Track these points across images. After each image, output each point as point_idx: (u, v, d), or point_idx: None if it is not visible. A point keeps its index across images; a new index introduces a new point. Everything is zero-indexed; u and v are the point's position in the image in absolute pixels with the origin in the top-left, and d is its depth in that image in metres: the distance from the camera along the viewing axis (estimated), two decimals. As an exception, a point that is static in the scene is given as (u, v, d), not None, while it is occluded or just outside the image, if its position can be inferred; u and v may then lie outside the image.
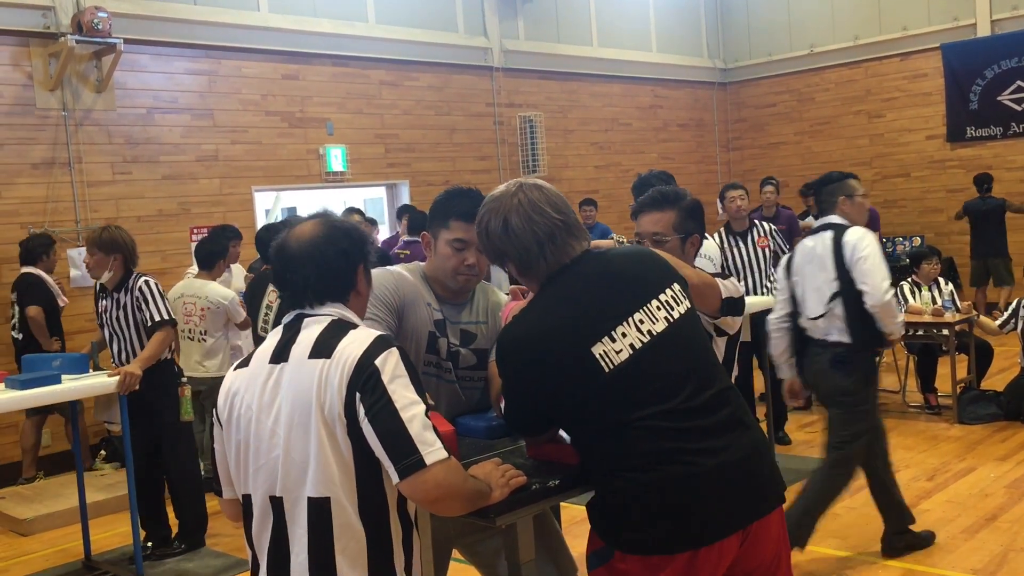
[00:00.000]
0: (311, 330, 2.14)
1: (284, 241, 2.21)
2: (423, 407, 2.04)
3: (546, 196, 2.31)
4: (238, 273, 7.44)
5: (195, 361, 6.42)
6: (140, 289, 5.05)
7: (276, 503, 2.09)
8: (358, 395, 2.02)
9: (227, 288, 6.65)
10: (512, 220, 2.28)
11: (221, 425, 2.22)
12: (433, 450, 2.00)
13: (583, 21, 12.12)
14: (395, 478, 2.00)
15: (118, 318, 5.11)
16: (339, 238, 2.19)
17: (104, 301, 5.19)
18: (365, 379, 2.03)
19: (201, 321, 6.39)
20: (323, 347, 2.10)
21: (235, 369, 2.24)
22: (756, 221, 7.01)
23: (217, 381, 6.44)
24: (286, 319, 2.21)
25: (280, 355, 2.14)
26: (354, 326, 2.16)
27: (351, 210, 8.54)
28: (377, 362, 2.05)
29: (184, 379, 5.44)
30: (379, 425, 2.00)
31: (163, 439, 5.18)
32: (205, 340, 6.43)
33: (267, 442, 2.10)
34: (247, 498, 2.16)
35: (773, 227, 7.10)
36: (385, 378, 2.03)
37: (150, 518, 5.27)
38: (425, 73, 10.31)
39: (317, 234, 2.19)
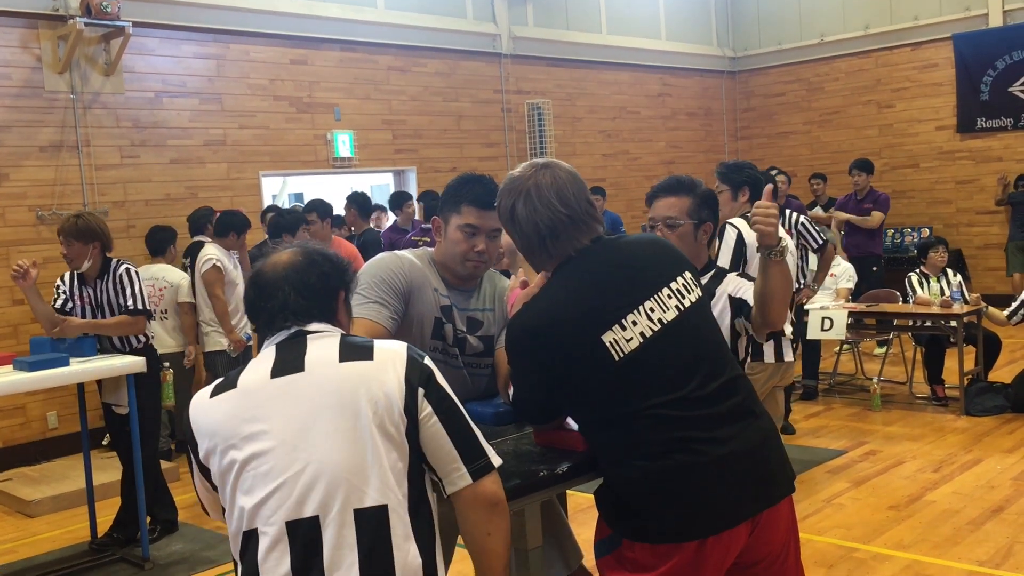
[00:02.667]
0: (325, 342, 2.00)
1: (258, 270, 2.09)
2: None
3: (557, 186, 2.26)
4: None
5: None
6: (121, 276, 4.99)
7: (303, 525, 1.85)
8: (421, 391, 1.95)
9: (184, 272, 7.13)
10: (518, 207, 2.28)
11: (199, 461, 1.99)
12: (495, 455, 2.02)
13: (592, 8, 12.07)
14: (460, 482, 1.95)
15: (102, 305, 5.02)
16: (319, 262, 2.08)
17: (84, 292, 5.05)
18: (426, 377, 1.97)
19: (160, 301, 6.91)
20: (355, 352, 1.98)
21: (211, 396, 1.99)
22: (784, 211, 6.44)
23: (175, 355, 6.91)
24: (278, 338, 2.03)
25: (285, 368, 1.96)
26: (373, 340, 2.05)
27: (312, 205, 7.44)
28: (427, 362, 2.02)
29: (166, 364, 5.47)
30: (451, 424, 1.95)
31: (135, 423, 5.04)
32: (166, 318, 6.93)
33: (285, 459, 1.87)
34: (250, 533, 1.89)
35: (804, 218, 6.56)
36: (439, 379, 2.00)
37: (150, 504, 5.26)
38: (433, 59, 10.28)
39: (295, 259, 2.08)
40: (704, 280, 3.01)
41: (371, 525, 1.86)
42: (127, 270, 5.03)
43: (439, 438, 1.95)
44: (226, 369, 6.61)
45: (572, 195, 2.27)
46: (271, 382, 1.95)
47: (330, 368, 1.95)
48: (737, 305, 2.98)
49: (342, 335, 2.05)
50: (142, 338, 5.15)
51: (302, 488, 1.86)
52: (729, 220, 4.59)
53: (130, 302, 4.99)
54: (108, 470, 6.26)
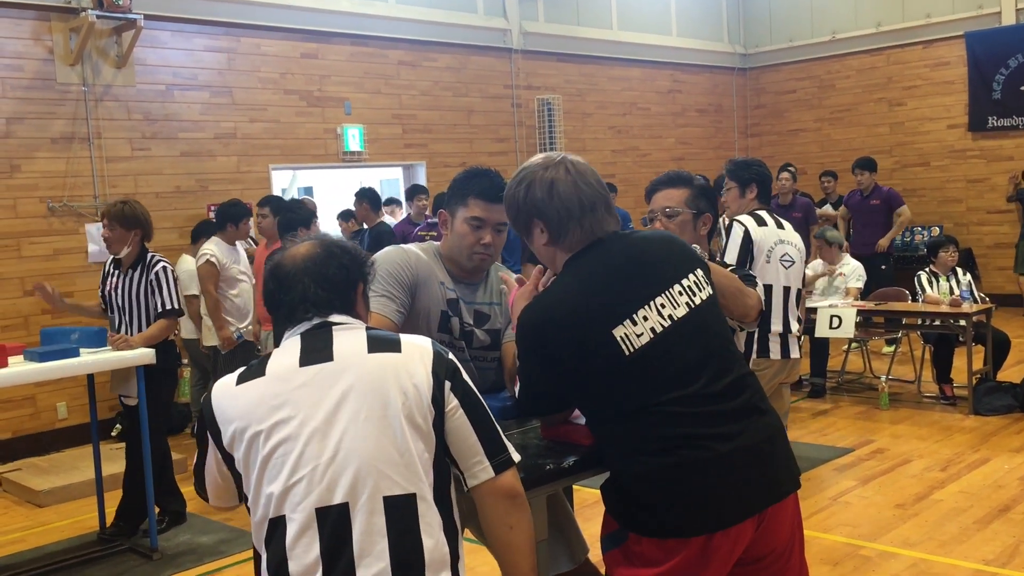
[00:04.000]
0: (351, 334, 2.03)
1: (277, 263, 2.10)
2: None
3: (589, 170, 2.33)
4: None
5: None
6: (157, 274, 5.07)
7: (333, 512, 1.86)
8: (448, 384, 2.00)
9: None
10: (560, 185, 2.28)
11: (221, 447, 2.00)
12: (514, 450, 2.06)
13: (603, 4, 12.06)
14: (483, 475, 1.99)
15: (130, 295, 5.09)
16: (337, 254, 2.10)
17: (115, 278, 5.15)
18: (452, 371, 2.02)
19: None
20: (383, 344, 2.01)
21: (237, 384, 2.02)
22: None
23: (189, 341, 7.03)
24: (301, 328, 2.05)
25: (313, 357, 1.98)
26: (398, 335, 2.08)
27: (267, 200, 7.21)
28: (451, 357, 2.06)
29: (184, 361, 5.51)
30: (475, 418, 2.00)
31: (149, 415, 5.04)
32: None
33: (315, 447, 1.89)
34: (277, 520, 1.90)
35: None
36: (463, 374, 2.05)
37: (161, 495, 5.30)
38: (444, 54, 10.28)
39: (314, 251, 2.09)
40: None
41: (400, 512, 1.88)
42: (164, 268, 5.11)
43: (464, 430, 1.99)
44: (225, 365, 6.63)
45: (602, 180, 2.34)
46: (300, 370, 1.97)
47: (359, 358, 1.98)
48: None
49: (367, 328, 2.08)
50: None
51: (332, 475, 1.88)
52: (736, 217, 4.59)
53: (167, 304, 5.08)
54: (117, 461, 6.28)
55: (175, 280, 5.16)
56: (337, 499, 1.86)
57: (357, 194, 8.54)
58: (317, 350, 1.99)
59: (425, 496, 1.92)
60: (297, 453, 1.89)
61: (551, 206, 2.28)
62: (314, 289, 2.05)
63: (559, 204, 2.27)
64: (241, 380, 2.02)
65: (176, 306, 5.11)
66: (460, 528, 2.04)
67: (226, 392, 2.02)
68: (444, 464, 1.99)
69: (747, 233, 4.47)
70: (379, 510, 1.87)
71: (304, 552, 1.85)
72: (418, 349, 2.03)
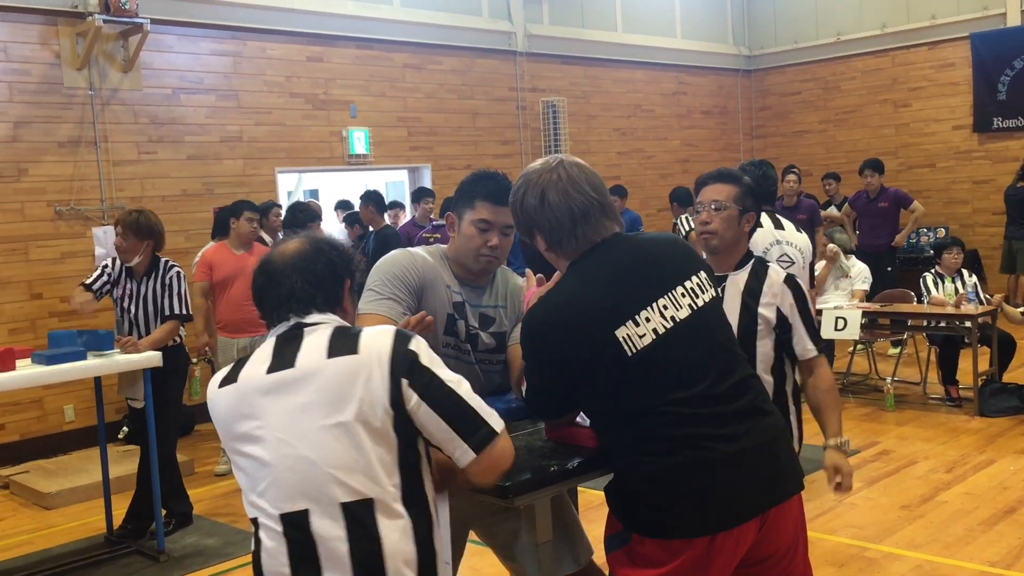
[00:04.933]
0: (317, 336, 2.04)
1: (267, 258, 2.15)
2: (466, 381, 2.06)
3: (585, 175, 2.33)
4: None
5: None
6: (171, 279, 5.14)
7: (296, 519, 1.93)
8: (404, 382, 1.97)
9: None
10: (550, 194, 2.29)
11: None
12: (496, 418, 2.04)
13: (608, 6, 12.07)
14: (465, 458, 1.99)
15: (145, 304, 5.13)
16: (326, 250, 2.14)
17: (128, 285, 5.19)
18: (408, 366, 1.99)
19: None
20: (342, 346, 2.01)
21: (219, 387, 2.09)
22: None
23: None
24: (277, 331, 2.09)
25: (280, 364, 2.02)
26: (361, 329, 2.08)
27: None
28: (411, 347, 2.02)
29: (194, 360, 5.56)
30: (440, 405, 1.98)
31: (157, 417, 5.06)
32: None
33: (276, 454, 1.96)
34: (255, 522, 2.02)
35: (684, 217, 6.81)
36: (424, 361, 2.02)
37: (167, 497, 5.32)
38: (449, 57, 10.30)
39: (303, 247, 2.13)
40: (746, 271, 3.13)
41: (356, 517, 1.92)
42: (177, 274, 5.18)
43: (433, 422, 1.98)
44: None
45: (600, 184, 2.35)
46: (266, 378, 2.03)
47: (318, 365, 2.00)
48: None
49: (335, 327, 2.08)
50: (177, 337, 5.28)
51: (292, 483, 1.94)
52: None
53: (175, 308, 5.14)
54: (124, 463, 6.32)
55: (186, 285, 5.22)
56: (299, 506, 1.93)
57: (362, 197, 8.57)
58: (284, 356, 2.04)
59: (385, 500, 1.94)
60: (263, 462, 1.97)
61: (543, 217, 2.30)
62: (301, 284, 2.09)
63: (550, 215, 2.29)
64: (222, 384, 2.09)
65: (183, 311, 5.17)
66: (436, 524, 2.04)
67: (211, 396, 2.11)
68: (411, 462, 1.99)
69: None
70: (338, 516, 1.91)
71: (275, 555, 1.96)
72: (375, 346, 2.00)
